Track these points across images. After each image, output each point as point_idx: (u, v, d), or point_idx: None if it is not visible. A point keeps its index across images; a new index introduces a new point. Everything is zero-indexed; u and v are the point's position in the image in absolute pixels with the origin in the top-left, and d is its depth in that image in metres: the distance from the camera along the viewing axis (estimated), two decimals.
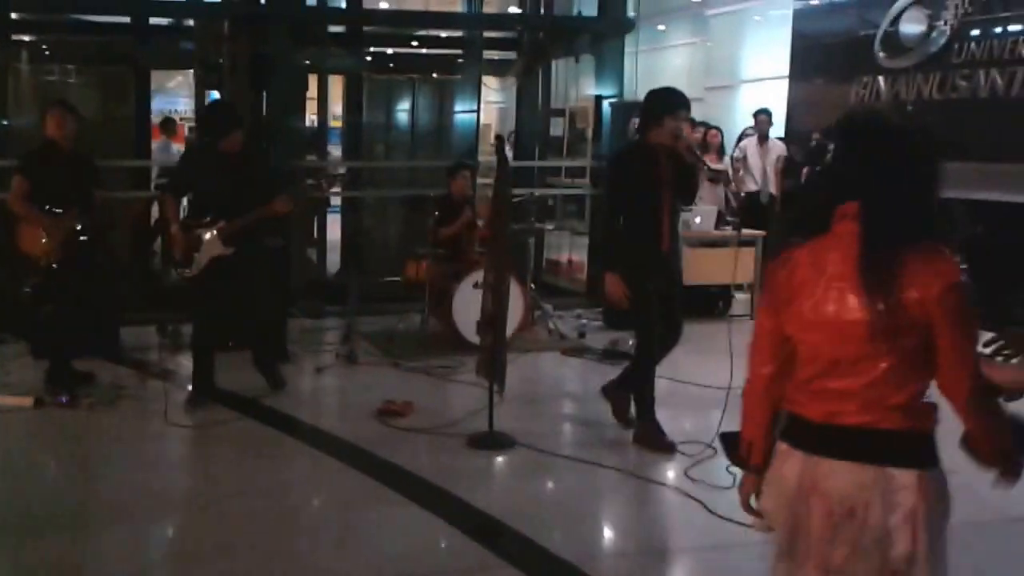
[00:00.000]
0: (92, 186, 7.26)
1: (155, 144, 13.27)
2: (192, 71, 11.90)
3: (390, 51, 12.55)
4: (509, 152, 12.43)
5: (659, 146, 6.20)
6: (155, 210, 10.16)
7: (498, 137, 8.88)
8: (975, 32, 10.44)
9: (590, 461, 6.07)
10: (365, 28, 12.02)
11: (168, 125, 14.48)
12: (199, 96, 11.48)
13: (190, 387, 7.01)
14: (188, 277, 6.94)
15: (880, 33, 11.49)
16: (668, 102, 6.28)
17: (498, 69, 13.49)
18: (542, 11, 12.52)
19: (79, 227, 7.04)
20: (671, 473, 5.89)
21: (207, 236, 6.85)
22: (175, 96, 18.11)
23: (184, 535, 5.24)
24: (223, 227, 6.85)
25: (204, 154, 7.13)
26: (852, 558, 2.61)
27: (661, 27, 18.21)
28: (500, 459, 6.19)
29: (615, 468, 5.96)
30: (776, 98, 13.16)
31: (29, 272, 7.39)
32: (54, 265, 7.01)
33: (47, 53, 11.01)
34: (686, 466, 5.95)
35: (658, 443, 6.28)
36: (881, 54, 11.51)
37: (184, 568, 4.87)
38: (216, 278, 6.90)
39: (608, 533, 5.29)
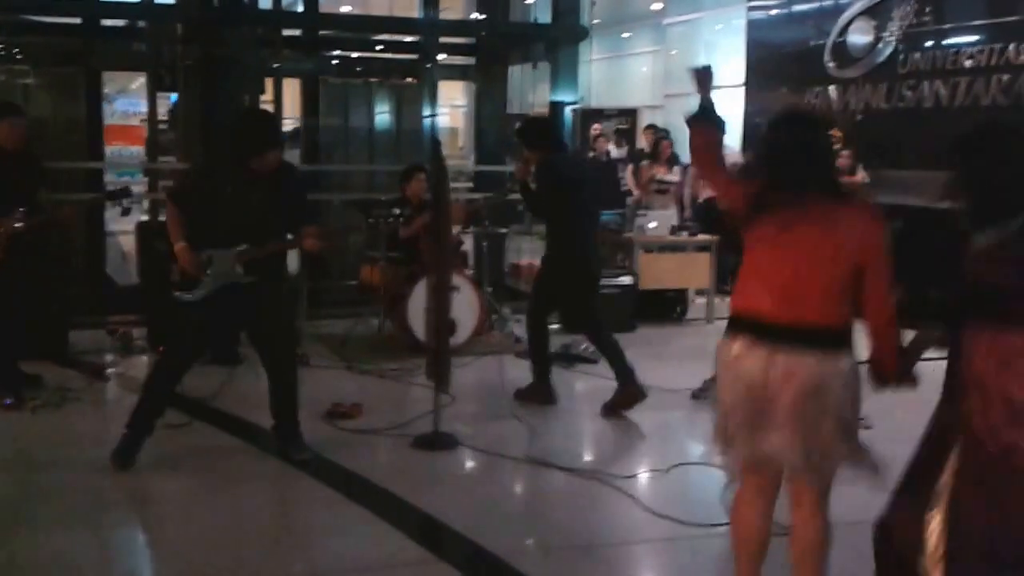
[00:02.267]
0: (37, 186, 7.15)
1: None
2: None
3: (347, 55, 12.54)
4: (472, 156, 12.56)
5: None
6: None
7: (435, 141, 8.93)
8: (919, 44, 10.61)
9: (529, 460, 6.12)
10: (321, 32, 12.04)
11: None
12: (152, 98, 11.47)
13: (125, 430, 5.86)
14: (186, 302, 5.84)
15: (830, 43, 11.66)
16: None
17: (455, 74, 13.59)
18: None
19: (19, 225, 6.88)
20: (610, 472, 5.91)
21: (219, 259, 5.80)
22: (136, 98, 18.02)
23: (127, 535, 5.25)
24: (244, 251, 5.79)
25: (231, 171, 5.87)
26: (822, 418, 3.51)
27: (626, 35, 18.34)
28: (442, 459, 6.20)
29: (555, 466, 6.00)
30: (735, 105, 13.27)
31: None
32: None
33: None
34: (625, 464, 6.08)
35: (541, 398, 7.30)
36: (831, 64, 11.68)
37: (125, 567, 4.91)
38: (222, 311, 5.93)
39: (540, 529, 5.28)
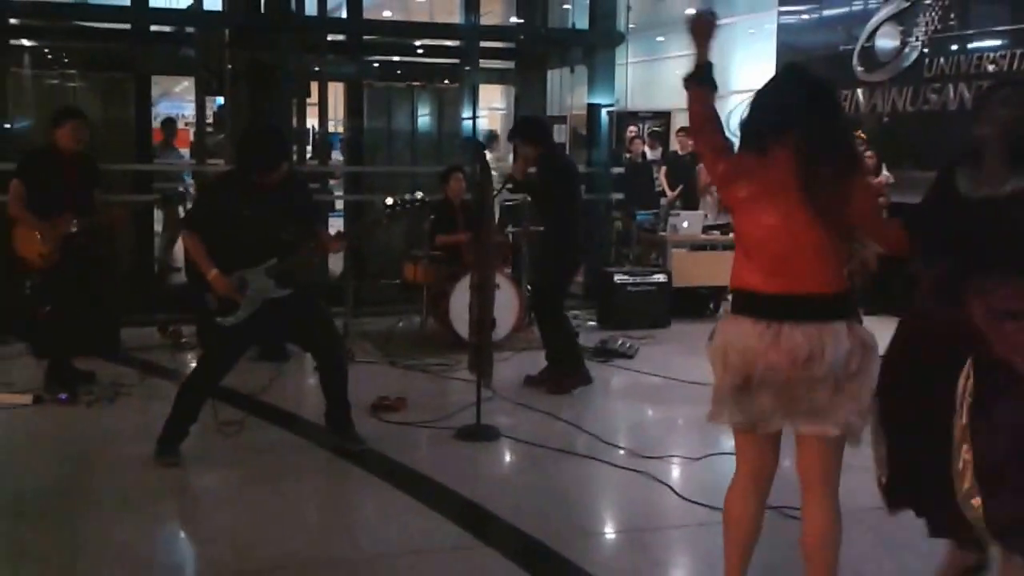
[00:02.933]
0: (92, 188, 7.35)
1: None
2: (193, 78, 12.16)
3: (390, 59, 12.77)
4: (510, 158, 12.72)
5: None
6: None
7: (477, 143, 9.14)
8: (944, 48, 10.75)
9: (568, 451, 6.31)
10: (365, 37, 12.28)
11: (168, 125, 14.61)
12: (200, 102, 11.73)
13: (164, 427, 5.97)
14: (228, 325, 5.85)
15: (858, 48, 11.79)
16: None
17: (495, 77, 13.80)
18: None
19: (74, 229, 7.10)
20: (644, 461, 6.09)
21: (253, 278, 5.83)
22: (181, 101, 18.28)
23: (179, 524, 5.45)
24: (274, 266, 5.84)
25: (241, 187, 5.89)
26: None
27: (660, 39, 18.48)
28: (484, 450, 6.40)
29: (593, 457, 6.19)
30: None
31: (28, 273, 7.54)
32: (51, 267, 7.11)
33: (49, 58, 11.18)
34: (659, 454, 6.22)
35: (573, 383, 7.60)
36: (859, 68, 11.82)
37: (177, 553, 5.11)
38: (264, 325, 6.01)
39: (579, 515, 5.46)
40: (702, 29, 3.76)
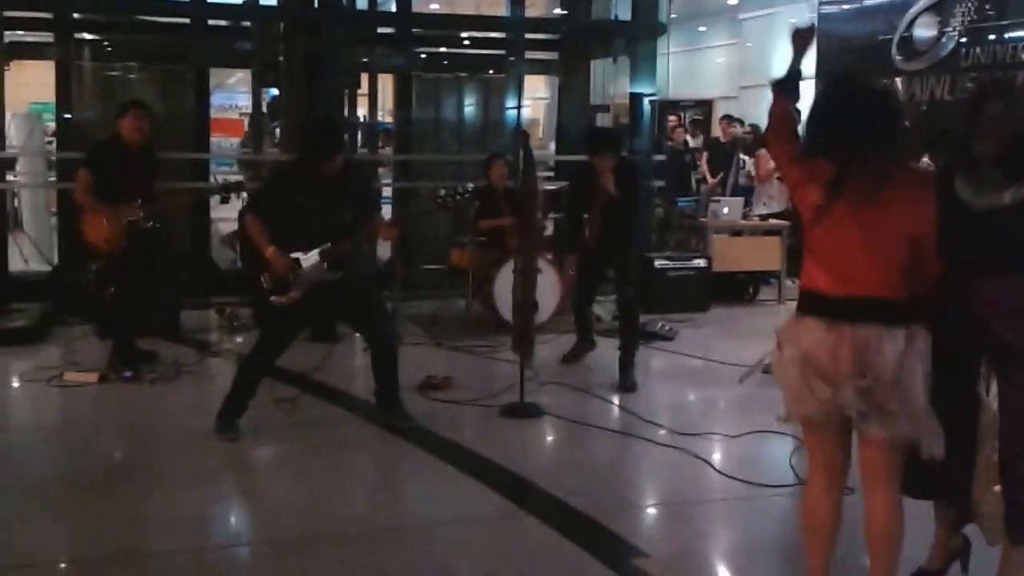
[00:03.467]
0: (154, 177, 7.66)
1: None
2: (250, 69, 12.51)
3: (438, 51, 13.03)
4: (551, 146, 13.00)
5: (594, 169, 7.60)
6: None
7: (523, 132, 9.38)
8: (980, 38, 10.88)
9: (607, 428, 6.61)
10: (413, 30, 12.57)
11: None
12: (256, 93, 12.08)
13: (223, 403, 6.32)
14: (282, 304, 6.12)
15: (896, 37, 11.93)
16: (593, 144, 7.80)
17: (539, 68, 14.05)
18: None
19: (140, 216, 7.41)
20: (683, 438, 6.35)
21: (307, 260, 6.13)
22: (235, 92, 18.59)
23: (237, 494, 5.75)
24: (328, 250, 6.12)
25: (301, 175, 6.23)
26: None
27: (702, 28, 18.63)
28: (528, 427, 6.67)
29: (633, 434, 6.47)
30: (806, 96, 13.55)
31: (94, 258, 7.85)
32: (116, 252, 7.44)
33: (110, 51, 11.50)
34: (698, 432, 6.48)
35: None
36: (898, 57, 11.95)
37: (235, 521, 5.42)
38: (316, 306, 6.35)
39: (618, 487, 5.73)
40: (802, 41, 4.00)
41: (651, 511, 5.49)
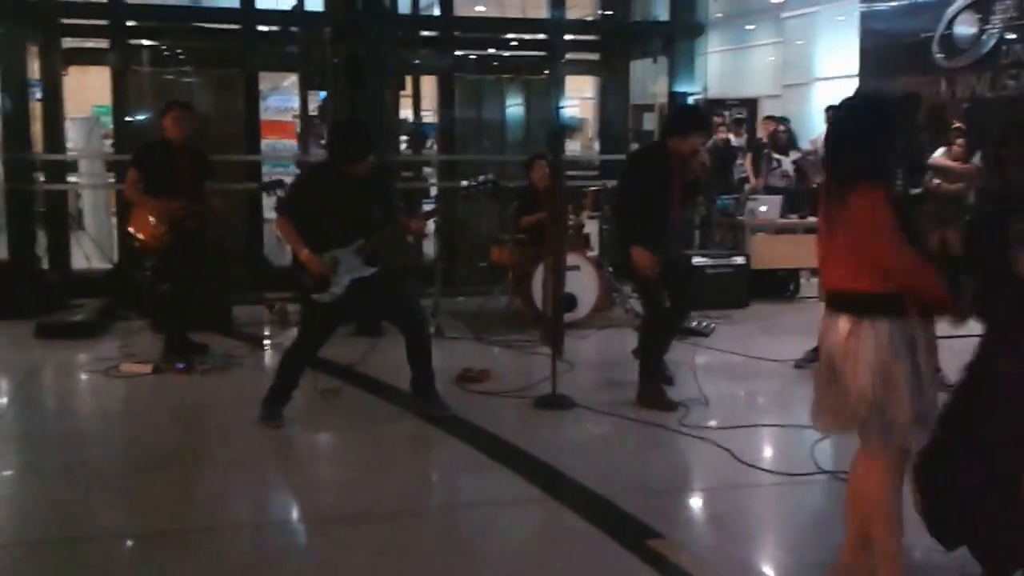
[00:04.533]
0: (203, 178, 8.02)
1: None
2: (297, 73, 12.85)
3: (480, 53, 13.27)
4: (596, 145, 13.17)
5: (675, 154, 6.95)
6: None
7: (555, 133, 9.60)
8: (1020, 35, 10.97)
9: (636, 419, 6.79)
10: (456, 32, 12.84)
11: None
12: (303, 95, 12.42)
13: (268, 393, 6.64)
14: (325, 302, 6.44)
15: (938, 35, 12.02)
16: (700, 121, 7.24)
17: (581, 68, 14.29)
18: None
19: (184, 212, 7.75)
20: (710, 431, 6.54)
21: (343, 258, 6.40)
22: (288, 95, 18.86)
23: (281, 477, 6.04)
24: (362, 247, 6.42)
25: (331, 176, 6.50)
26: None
27: (749, 27, 18.74)
28: (560, 417, 6.87)
29: (660, 425, 6.65)
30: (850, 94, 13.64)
31: (146, 255, 8.25)
32: (164, 247, 7.80)
33: (165, 56, 11.84)
34: (725, 424, 6.67)
35: (659, 403, 7.00)
36: (939, 55, 12.04)
37: (277, 503, 5.71)
38: (355, 300, 6.54)
39: (644, 475, 5.91)
40: None
41: (672, 497, 5.65)
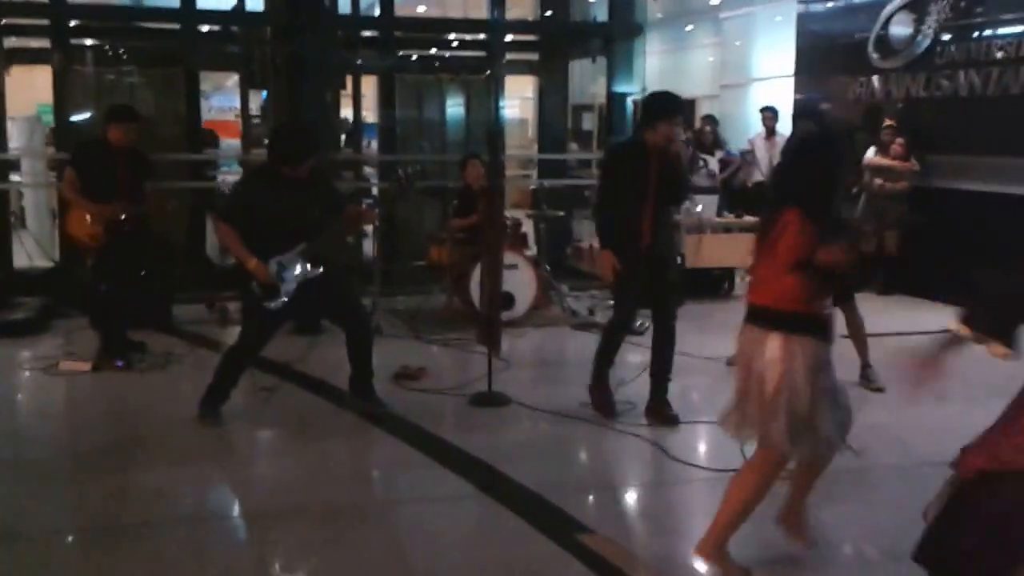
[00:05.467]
0: (142, 179, 8.01)
1: None
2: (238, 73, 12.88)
3: (421, 53, 13.39)
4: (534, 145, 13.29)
5: (652, 146, 6.58)
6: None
7: (492, 133, 9.71)
8: (954, 36, 11.21)
9: (572, 416, 6.91)
10: (396, 33, 12.92)
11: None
12: (244, 95, 12.47)
13: (207, 391, 6.68)
14: (275, 308, 6.48)
15: (873, 35, 12.23)
16: (665, 107, 6.63)
17: (522, 69, 14.44)
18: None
19: (122, 216, 7.76)
20: (643, 427, 6.71)
21: (289, 262, 6.43)
22: (231, 95, 18.84)
23: (218, 475, 6.07)
24: (306, 249, 6.46)
25: (271, 178, 6.53)
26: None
27: (689, 27, 18.93)
28: (495, 414, 7.00)
29: (594, 422, 6.79)
30: (786, 94, 13.95)
31: (85, 254, 8.19)
32: (101, 247, 7.80)
33: (107, 55, 11.85)
34: (655, 420, 6.81)
35: (601, 407, 6.95)
36: (875, 55, 12.26)
37: (215, 499, 5.80)
38: (301, 301, 6.57)
39: (575, 471, 6.13)
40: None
41: (603, 493, 5.78)
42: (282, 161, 6.50)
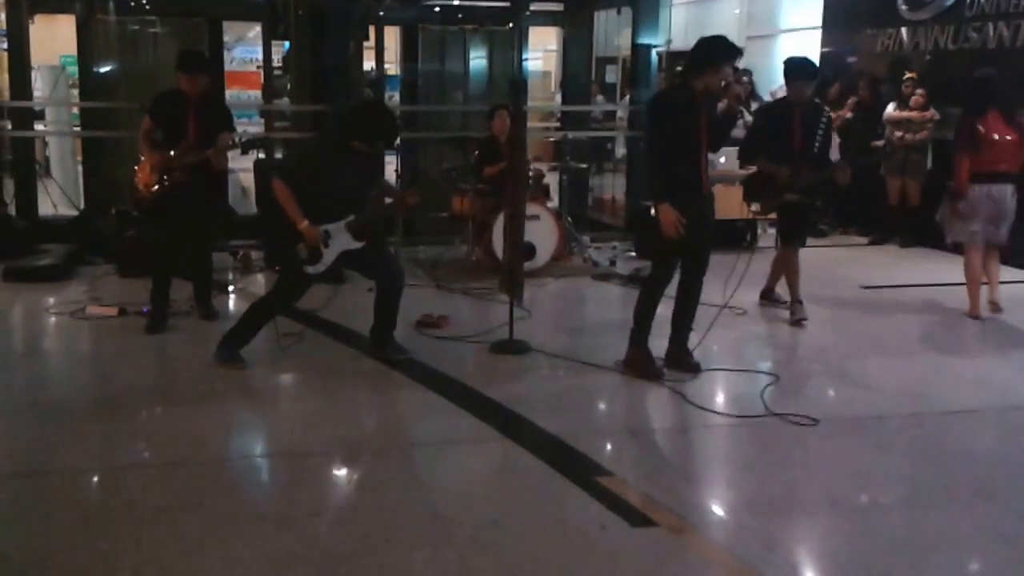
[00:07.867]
0: (217, 128, 7.65)
1: None
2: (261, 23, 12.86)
3: (445, 3, 13.30)
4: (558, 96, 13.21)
5: (700, 92, 6.43)
6: None
7: (516, 84, 9.69)
8: None
9: (591, 363, 6.96)
10: None
11: None
12: (267, 46, 12.45)
13: (227, 335, 6.82)
14: (315, 273, 6.65)
15: None
16: (714, 54, 6.41)
17: (546, 20, 14.36)
18: None
19: (174, 163, 7.46)
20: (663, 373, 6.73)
21: (336, 232, 6.58)
22: (253, 46, 18.83)
23: (242, 415, 6.16)
24: (353, 222, 6.61)
25: (340, 151, 6.62)
26: None
27: None
28: (515, 361, 7.06)
29: (614, 370, 6.83)
30: (813, 46, 13.83)
31: (139, 202, 7.91)
32: (154, 194, 7.56)
33: (130, 4, 11.81)
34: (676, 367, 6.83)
35: (646, 371, 6.72)
36: (903, 7, 12.17)
37: (239, 438, 5.88)
38: (339, 265, 6.83)
39: (594, 416, 6.18)
40: None
41: (623, 438, 5.81)
42: (360, 137, 6.56)
